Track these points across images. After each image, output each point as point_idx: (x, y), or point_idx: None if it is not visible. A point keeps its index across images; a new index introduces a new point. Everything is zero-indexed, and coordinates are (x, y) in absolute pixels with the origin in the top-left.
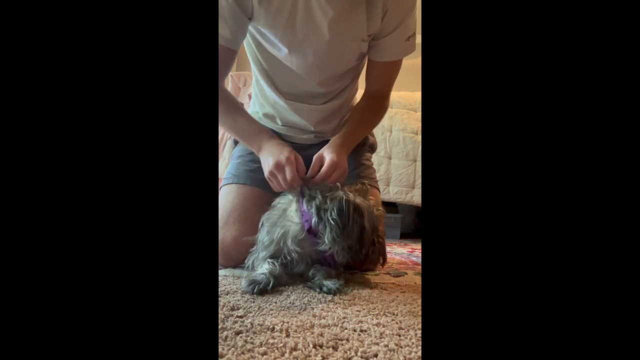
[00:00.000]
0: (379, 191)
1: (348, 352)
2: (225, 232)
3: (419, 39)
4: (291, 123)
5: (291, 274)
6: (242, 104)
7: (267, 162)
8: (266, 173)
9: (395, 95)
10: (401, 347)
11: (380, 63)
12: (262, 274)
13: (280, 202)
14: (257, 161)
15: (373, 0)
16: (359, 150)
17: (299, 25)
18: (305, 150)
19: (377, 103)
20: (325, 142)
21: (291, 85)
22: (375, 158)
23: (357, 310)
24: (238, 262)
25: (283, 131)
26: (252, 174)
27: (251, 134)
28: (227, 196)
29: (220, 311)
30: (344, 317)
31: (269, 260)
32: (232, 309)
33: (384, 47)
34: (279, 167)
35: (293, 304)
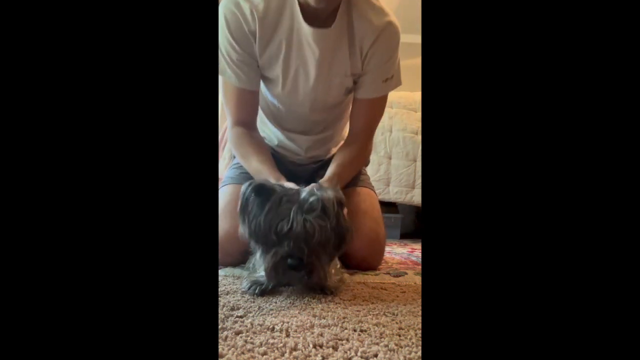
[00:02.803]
0: (374, 191)
1: (348, 352)
2: (219, 226)
3: (418, 39)
4: (286, 145)
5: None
6: (263, 144)
7: None
8: None
9: (395, 95)
10: (401, 347)
11: (360, 100)
12: (263, 275)
13: None
14: None
15: (353, 43)
16: None
17: (292, 64)
18: (297, 166)
19: (360, 144)
20: (317, 162)
21: (284, 119)
22: (375, 158)
23: (357, 310)
24: (235, 259)
25: (278, 150)
26: (247, 175)
27: (267, 172)
28: (223, 195)
29: (220, 311)
30: (344, 317)
31: None
32: (232, 309)
33: (361, 85)
34: None
35: (293, 304)
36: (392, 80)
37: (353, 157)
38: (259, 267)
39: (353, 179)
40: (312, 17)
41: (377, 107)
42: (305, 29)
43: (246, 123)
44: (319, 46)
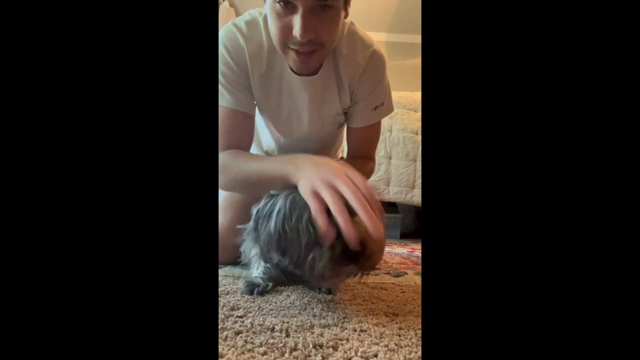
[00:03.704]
0: None
1: (348, 352)
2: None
3: (418, 39)
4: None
5: (288, 272)
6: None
7: (315, 175)
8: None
9: (395, 95)
10: (401, 347)
11: (353, 129)
12: (259, 277)
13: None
14: None
15: (341, 82)
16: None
17: (284, 107)
18: None
19: (361, 162)
20: None
21: (280, 142)
22: (375, 158)
23: (357, 310)
24: (232, 254)
25: (272, 153)
26: None
27: (279, 160)
28: (221, 192)
29: (220, 311)
30: (344, 317)
31: (263, 265)
32: (232, 309)
33: (352, 114)
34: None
35: (293, 304)
36: (383, 107)
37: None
38: (254, 266)
39: None
40: None
41: (371, 133)
42: (293, 77)
43: (239, 149)
44: (308, 92)
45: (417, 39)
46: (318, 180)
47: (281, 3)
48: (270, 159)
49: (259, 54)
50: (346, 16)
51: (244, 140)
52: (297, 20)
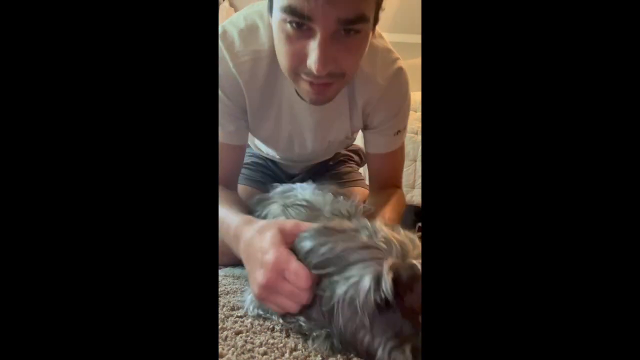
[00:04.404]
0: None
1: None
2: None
3: (418, 39)
4: (279, 163)
5: None
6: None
7: (253, 276)
8: (255, 291)
9: None
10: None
11: (374, 155)
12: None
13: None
14: (249, 162)
15: (355, 105)
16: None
17: (283, 129)
18: (291, 174)
19: (388, 196)
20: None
21: (279, 159)
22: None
23: None
24: (232, 257)
25: (270, 159)
26: (241, 175)
27: (227, 229)
28: None
29: (220, 311)
30: None
31: None
32: (232, 309)
33: (371, 140)
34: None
35: None
36: (402, 133)
37: (385, 204)
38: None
39: (349, 179)
40: None
41: (394, 159)
42: (298, 100)
43: (225, 184)
44: (314, 117)
45: (417, 39)
46: (257, 289)
47: (293, 24)
48: (227, 214)
49: (256, 68)
50: (374, 36)
51: (230, 173)
52: (313, 48)
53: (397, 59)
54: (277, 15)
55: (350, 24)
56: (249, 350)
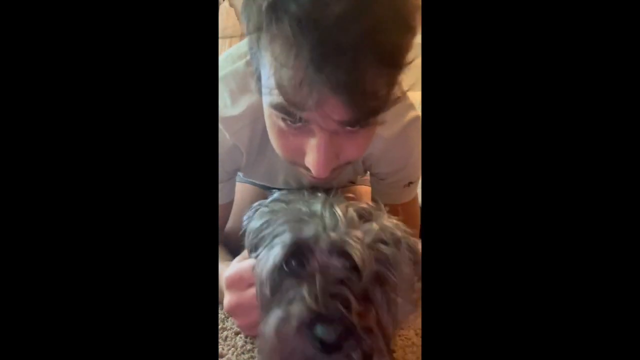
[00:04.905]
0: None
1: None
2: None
3: (418, 38)
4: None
5: None
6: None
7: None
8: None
9: None
10: (401, 347)
11: (386, 205)
12: None
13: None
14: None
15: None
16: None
17: (279, 174)
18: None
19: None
20: None
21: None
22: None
23: None
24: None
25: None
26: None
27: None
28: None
29: (220, 311)
30: None
31: None
32: None
33: (379, 190)
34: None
35: None
36: (413, 184)
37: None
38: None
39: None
40: None
41: (407, 210)
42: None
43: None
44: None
45: (417, 38)
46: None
47: (287, 121)
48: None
49: (254, 129)
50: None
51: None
52: (311, 148)
53: (411, 106)
54: (267, 108)
55: (355, 125)
56: (249, 350)
